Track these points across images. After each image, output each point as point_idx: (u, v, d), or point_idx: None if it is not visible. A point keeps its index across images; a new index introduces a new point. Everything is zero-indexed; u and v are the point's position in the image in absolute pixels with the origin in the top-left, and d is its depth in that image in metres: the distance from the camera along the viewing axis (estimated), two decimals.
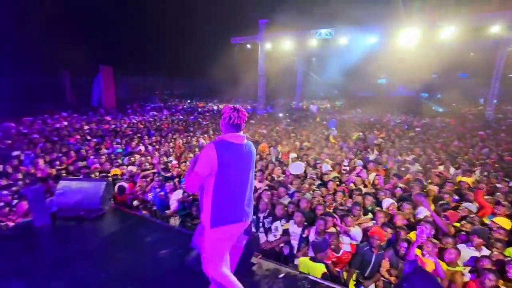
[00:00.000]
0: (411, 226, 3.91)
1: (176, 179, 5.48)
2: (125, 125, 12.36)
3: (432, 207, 4.26)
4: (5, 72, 17.18)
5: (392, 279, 3.43)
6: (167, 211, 4.96)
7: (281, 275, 2.76)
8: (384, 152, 7.54)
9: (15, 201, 4.52)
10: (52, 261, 2.82)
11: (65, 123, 12.09)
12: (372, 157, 7.20)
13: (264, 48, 16.39)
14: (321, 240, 3.21)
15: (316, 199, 4.54)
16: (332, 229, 3.78)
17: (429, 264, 3.12)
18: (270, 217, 4.27)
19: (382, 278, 3.50)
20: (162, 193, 5.27)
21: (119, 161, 6.66)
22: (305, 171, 5.87)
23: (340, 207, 4.32)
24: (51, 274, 2.62)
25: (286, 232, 4.12)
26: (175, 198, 5.00)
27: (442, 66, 15.18)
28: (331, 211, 4.20)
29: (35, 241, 3.22)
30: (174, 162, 6.51)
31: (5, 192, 4.42)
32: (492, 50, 14.88)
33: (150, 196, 5.41)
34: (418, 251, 3.28)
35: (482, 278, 2.74)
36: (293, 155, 7.27)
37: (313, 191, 4.90)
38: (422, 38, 12.84)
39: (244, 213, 2.12)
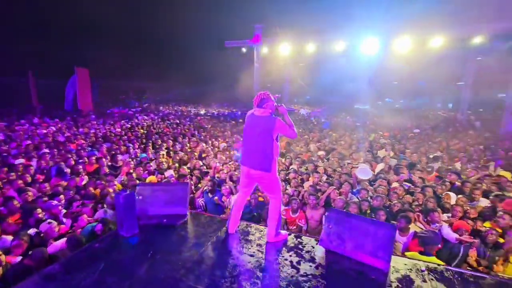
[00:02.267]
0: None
1: (230, 183, 5.24)
2: (118, 129, 11.50)
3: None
4: None
5: (480, 268, 3.62)
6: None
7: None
8: (412, 151, 7.98)
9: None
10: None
11: (53, 128, 10.90)
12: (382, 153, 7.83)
13: (259, 53, 16.48)
14: (431, 234, 3.29)
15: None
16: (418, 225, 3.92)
17: None
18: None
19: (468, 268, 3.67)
20: (216, 197, 5.02)
21: (152, 165, 6.19)
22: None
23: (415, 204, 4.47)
24: None
25: None
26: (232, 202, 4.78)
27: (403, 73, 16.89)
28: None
29: (140, 254, 2.85)
30: (218, 165, 6.22)
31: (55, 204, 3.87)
32: (460, 60, 16.64)
33: (201, 201, 5.11)
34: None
35: None
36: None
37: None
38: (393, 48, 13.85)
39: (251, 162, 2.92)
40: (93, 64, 21.35)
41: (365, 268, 2.63)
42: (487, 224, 3.99)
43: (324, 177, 5.69)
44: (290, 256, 2.87)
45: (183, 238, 3.17)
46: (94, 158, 6.37)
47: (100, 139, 9.22)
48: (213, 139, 10.08)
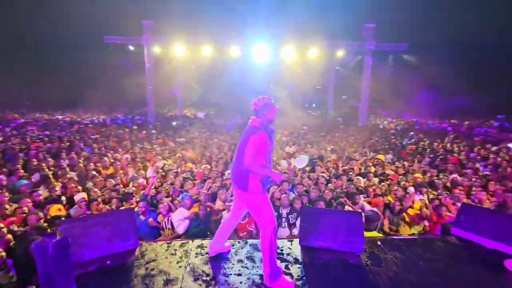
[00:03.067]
0: None
1: (166, 199, 4.55)
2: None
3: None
4: None
5: (392, 232, 4.66)
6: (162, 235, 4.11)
7: None
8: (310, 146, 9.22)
9: None
10: None
11: None
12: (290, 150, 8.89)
13: (151, 52, 15.05)
14: (372, 213, 3.93)
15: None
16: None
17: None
18: (295, 213, 4.53)
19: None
20: (150, 219, 4.30)
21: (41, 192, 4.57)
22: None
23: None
24: None
25: None
26: (179, 218, 4.22)
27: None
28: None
29: None
30: (141, 180, 5.22)
31: None
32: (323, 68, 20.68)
33: None
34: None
35: None
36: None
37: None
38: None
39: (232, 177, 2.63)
40: None
41: (344, 256, 2.88)
42: (390, 198, 5.14)
43: None
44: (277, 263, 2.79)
45: (145, 279, 2.53)
46: None
47: None
48: (112, 151, 8.49)
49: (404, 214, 4.77)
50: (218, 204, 4.75)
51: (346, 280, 2.57)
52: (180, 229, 4.21)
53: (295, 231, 4.48)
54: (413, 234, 4.30)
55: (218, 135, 11.94)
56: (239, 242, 3.16)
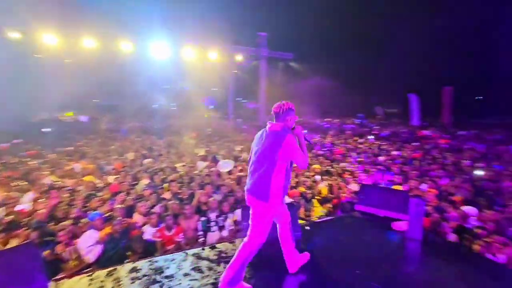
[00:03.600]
0: None
1: (66, 223, 3.63)
2: None
3: None
4: None
5: (308, 218, 5.32)
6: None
7: None
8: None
9: None
10: None
11: None
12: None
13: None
14: (294, 202, 4.33)
15: None
16: None
17: None
18: (224, 215, 4.48)
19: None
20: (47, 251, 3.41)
21: None
22: None
23: None
24: None
25: (236, 223, 4.62)
26: (89, 243, 3.48)
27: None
28: None
29: None
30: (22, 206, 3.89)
31: None
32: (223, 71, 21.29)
33: None
34: None
35: None
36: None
37: None
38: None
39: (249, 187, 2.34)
40: None
41: None
42: (301, 188, 5.82)
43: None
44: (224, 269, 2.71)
45: None
46: None
47: None
48: None
49: (314, 200, 5.53)
50: (137, 218, 4.19)
51: None
52: (91, 257, 3.47)
53: (224, 233, 4.47)
54: (329, 216, 4.99)
55: (113, 142, 10.42)
56: (179, 255, 2.89)
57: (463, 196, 5.46)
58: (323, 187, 5.84)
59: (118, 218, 3.92)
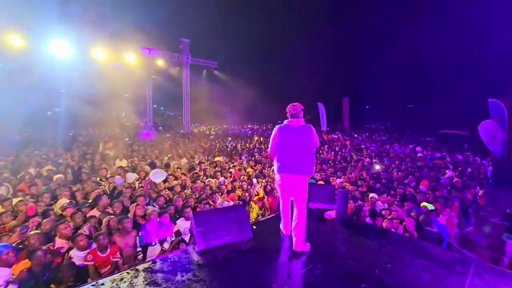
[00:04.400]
0: None
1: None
2: None
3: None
4: None
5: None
6: None
7: None
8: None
9: None
10: None
11: None
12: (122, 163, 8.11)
13: None
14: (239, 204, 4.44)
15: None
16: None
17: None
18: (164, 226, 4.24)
19: None
20: None
21: None
22: None
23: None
24: None
25: (178, 233, 4.48)
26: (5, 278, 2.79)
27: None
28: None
29: None
30: None
31: None
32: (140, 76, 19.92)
33: None
34: None
35: None
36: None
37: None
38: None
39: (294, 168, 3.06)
40: None
41: (238, 245, 3.19)
42: (238, 192, 6.02)
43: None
44: (183, 278, 2.63)
45: None
46: None
47: None
48: None
49: (251, 201, 5.80)
50: (60, 243, 3.57)
51: (248, 263, 2.92)
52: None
53: (166, 246, 4.25)
54: (265, 216, 5.31)
55: (4, 157, 8.37)
56: (127, 273, 2.64)
57: (368, 186, 6.70)
58: (259, 189, 6.18)
59: (34, 248, 3.25)
